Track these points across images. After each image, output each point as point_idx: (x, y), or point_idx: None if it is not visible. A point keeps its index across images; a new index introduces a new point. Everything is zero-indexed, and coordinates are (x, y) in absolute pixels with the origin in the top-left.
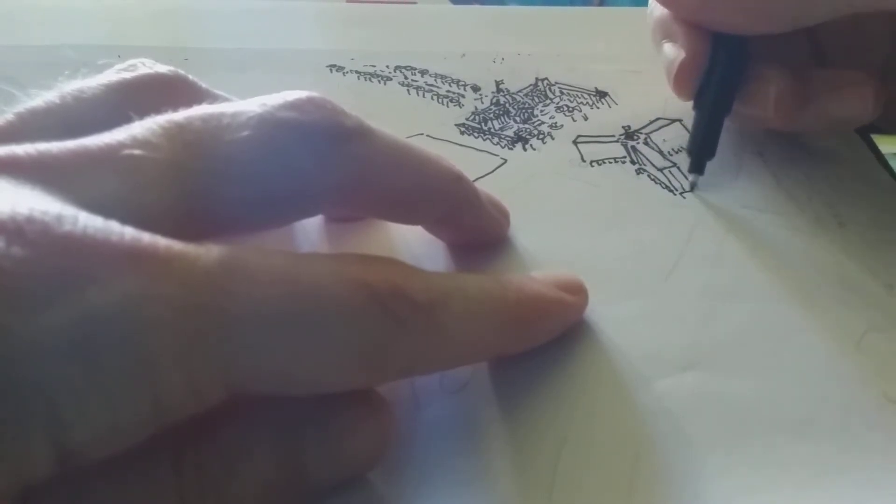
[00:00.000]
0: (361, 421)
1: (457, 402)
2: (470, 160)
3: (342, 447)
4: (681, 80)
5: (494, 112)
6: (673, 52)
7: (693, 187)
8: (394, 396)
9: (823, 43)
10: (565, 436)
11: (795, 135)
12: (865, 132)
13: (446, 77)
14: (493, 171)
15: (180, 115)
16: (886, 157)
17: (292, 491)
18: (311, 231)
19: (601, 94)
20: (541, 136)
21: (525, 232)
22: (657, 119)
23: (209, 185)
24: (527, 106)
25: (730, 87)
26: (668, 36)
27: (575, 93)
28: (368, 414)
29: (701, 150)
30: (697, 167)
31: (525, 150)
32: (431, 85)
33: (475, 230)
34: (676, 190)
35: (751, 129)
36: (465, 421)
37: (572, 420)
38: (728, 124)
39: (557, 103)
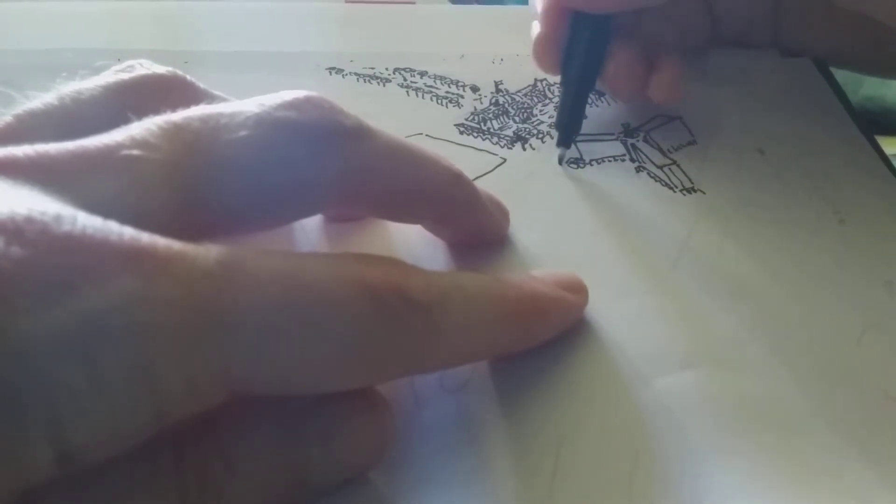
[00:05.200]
0: (361, 421)
1: (457, 402)
2: (469, 160)
3: (342, 447)
4: (537, 53)
5: (493, 112)
6: (535, 28)
7: (561, 160)
8: (394, 396)
9: (720, 18)
10: (565, 434)
11: (794, 131)
12: (869, 130)
13: (445, 78)
14: (492, 170)
15: (178, 115)
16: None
17: (293, 490)
18: (310, 231)
19: (599, 93)
20: (540, 136)
21: (525, 231)
22: (656, 116)
23: (208, 185)
24: (526, 106)
25: (592, 65)
26: (534, 15)
27: None
28: (368, 414)
29: (567, 125)
30: (564, 141)
31: (524, 149)
32: (430, 86)
33: (475, 229)
34: (676, 187)
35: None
36: (465, 420)
37: (572, 418)
38: (727, 126)
39: (556, 102)
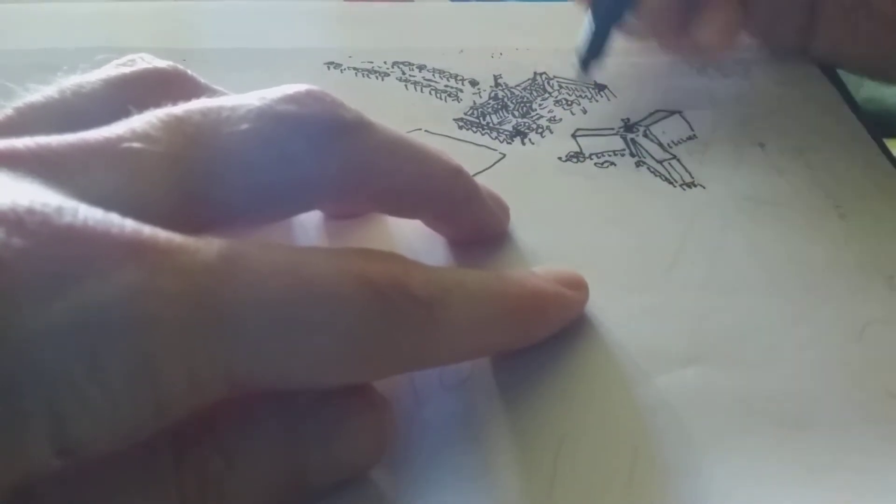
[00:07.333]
0: (362, 420)
1: (457, 399)
2: (468, 155)
3: (343, 446)
4: None
5: (493, 106)
6: None
7: (579, 77)
8: (393, 393)
9: (753, 12)
10: (565, 431)
11: (795, 125)
12: (877, 131)
13: (444, 72)
14: (491, 165)
15: (179, 108)
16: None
17: (293, 489)
18: (309, 228)
19: (600, 88)
20: (539, 130)
21: (525, 227)
22: (656, 111)
23: (208, 178)
24: (525, 100)
25: None
26: None
27: (573, 86)
28: (369, 413)
29: (589, 52)
30: (585, 66)
31: (524, 144)
32: (429, 80)
33: (475, 225)
34: (676, 182)
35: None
36: (465, 417)
37: (572, 415)
38: (728, 120)
39: (556, 97)
